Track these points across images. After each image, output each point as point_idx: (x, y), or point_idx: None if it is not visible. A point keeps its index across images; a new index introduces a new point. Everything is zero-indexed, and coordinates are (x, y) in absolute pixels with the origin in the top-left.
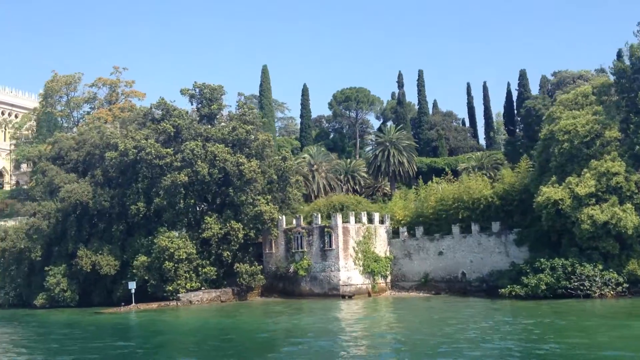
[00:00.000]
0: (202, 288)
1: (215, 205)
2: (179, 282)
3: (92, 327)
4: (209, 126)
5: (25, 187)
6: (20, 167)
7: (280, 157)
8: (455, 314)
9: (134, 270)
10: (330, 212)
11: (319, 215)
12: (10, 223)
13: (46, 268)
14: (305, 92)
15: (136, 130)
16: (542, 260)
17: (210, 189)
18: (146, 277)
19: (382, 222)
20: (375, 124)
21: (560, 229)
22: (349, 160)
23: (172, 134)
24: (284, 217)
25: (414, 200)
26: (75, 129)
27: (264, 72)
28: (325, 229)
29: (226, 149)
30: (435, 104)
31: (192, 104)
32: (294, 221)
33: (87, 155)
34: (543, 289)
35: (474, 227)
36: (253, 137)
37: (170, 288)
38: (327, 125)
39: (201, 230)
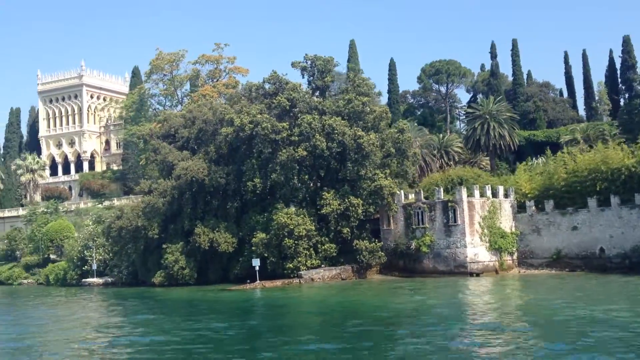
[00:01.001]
0: (322, 265)
1: (330, 180)
2: (299, 259)
3: (223, 304)
4: (322, 99)
5: (116, 168)
6: (110, 149)
7: (396, 130)
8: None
9: (253, 248)
10: (448, 186)
11: (441, 190)
12: (120, 202)
13: (164, 246)
14: (392, 67)
15: (249, 105)
16: None
17: (328, 164)
18: (265, 254)
19: (506, 196)
20: (463, 97)
21: None
22: (441, 135)
23: (287, 107)
24: (402, 191)
25: (540, 173)
26: (179, 107)
27: (352, 46)
28: (449, 204)
29: (342, 121)
30: (529, 75)
31: (303, 77)
32: (411, 196)
33: (199, 132)
34: None
35: (614, 200)
36: (368, 109)
37: (290, 265)
38: (412, 100)
39: (319, 207)
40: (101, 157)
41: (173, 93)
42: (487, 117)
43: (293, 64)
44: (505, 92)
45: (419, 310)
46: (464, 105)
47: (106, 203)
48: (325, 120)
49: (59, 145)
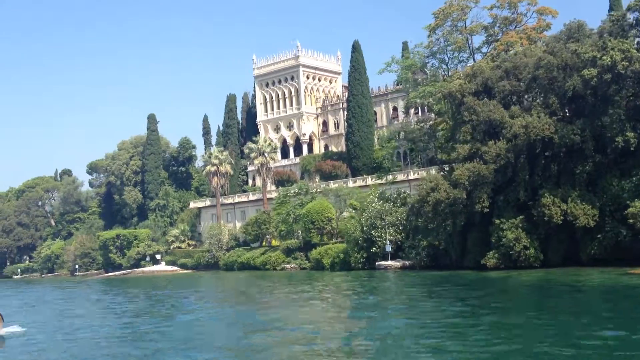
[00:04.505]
0: None
1: None
2: None
3: None
4: None
5: (333, 149)
6: (328, 130)
7: None
8: None
9: (629, 220)
10: None
11: None
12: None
13: (496, 221)
14: None
15: (614, 40)
16: None
17: None
18: None
19: None
20: None
21: None
22: None
23: None
24: None
25: None
26: (470, 62)
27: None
28: None
29: None
30: None
31: None
32: None
33: (532, 81)
34: None
35: None
36: None
37: None
38: None
39: None
40: (319, 139)
41: (464, 46)
42: None
43: None
44: None
45: None
46: None
47: (389, 177)
48: None
49: (277, 129)
